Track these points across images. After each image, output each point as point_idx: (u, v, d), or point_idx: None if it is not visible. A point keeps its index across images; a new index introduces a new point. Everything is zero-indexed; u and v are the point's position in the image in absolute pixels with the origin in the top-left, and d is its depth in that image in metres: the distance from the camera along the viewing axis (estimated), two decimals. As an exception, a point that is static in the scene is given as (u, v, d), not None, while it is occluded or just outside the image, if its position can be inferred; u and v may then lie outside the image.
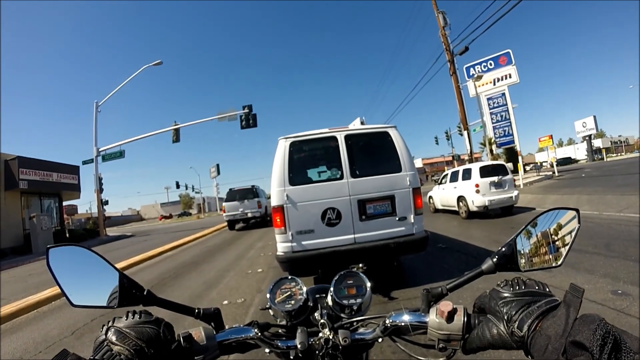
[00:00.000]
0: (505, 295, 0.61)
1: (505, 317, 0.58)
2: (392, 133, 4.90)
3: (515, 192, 10.94)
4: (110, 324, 0.63)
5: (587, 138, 61.86)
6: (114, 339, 0.58)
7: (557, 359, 0.46)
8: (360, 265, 1.00)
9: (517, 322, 0.56)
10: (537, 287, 0.61)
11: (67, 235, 22.28)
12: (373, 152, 5.04)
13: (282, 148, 4.71)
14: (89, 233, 24.42)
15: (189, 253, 11.81)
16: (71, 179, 23.50)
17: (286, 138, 4.78)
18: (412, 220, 4.73)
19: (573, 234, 0.68)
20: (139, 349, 0.58)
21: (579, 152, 72.35)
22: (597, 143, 71.77)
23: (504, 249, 0.70)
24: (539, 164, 42.77)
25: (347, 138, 4.81)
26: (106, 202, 26.31)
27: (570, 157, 65.99)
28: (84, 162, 23.30)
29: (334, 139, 4.81)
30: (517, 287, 0.61)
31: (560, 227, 0.68)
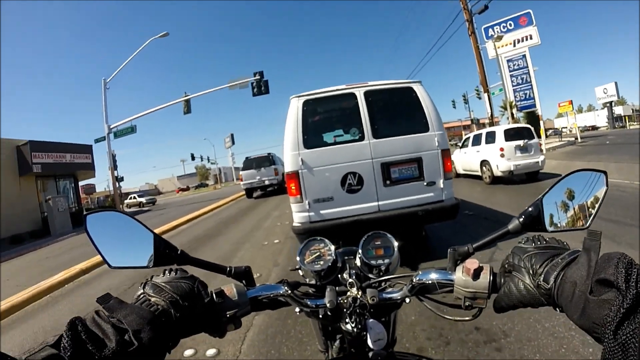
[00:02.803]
0: (528, 248, 0.62)
1: (531, 271, 0.58)
2: (417, 89, 4.43)
3: (542, 157, 10.33)
4: (148, 280, 0.64)
5: (608, 105, 59.51)
6: (151, 291, 0.60)
7: (585, 301, 0.47)
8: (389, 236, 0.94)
9: (542, 275, 0.56)
10: (557, 242, 0.63)
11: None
12: (396, 110, 4.57)
13: (295, 107, 4.29)
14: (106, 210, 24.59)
15: (203, 225, 11.65)
16: (85, 159, 23.44)
17: (299, 96, 4.35)
18: (442, 186, 4.32)
19: (601, 196, 0.66)
20: (174, 301, 0.60)
21: (599, 119, 69.94)
22: (618, 110, 69.01)
23: (530, 209, 0.69)
24: (559, 129, 41.47)
25: (367, 94, 4.35)
26: (121, 179, 26.34)
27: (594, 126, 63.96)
28: (97, 141, 23.20)
29: (353, 95, 4.35)
30: (539, 243, 0.62)
31: (588, 188, 0.67)
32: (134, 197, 40.00)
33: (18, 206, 18.14)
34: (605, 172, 0.67)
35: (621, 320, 0.40)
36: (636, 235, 4.41)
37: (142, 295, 0.61)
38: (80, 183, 26.74)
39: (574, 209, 0.68)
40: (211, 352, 3.05)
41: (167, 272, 0.67)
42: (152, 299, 0.59)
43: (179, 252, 0.73)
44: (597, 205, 0.66)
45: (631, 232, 4.51)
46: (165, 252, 0.71)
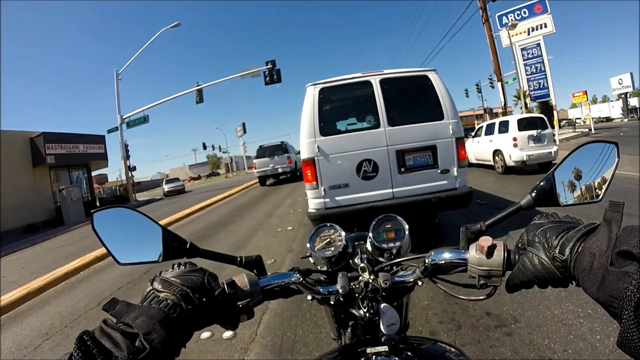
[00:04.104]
0: (543, 223, 0.61)
1: (546, 245, 0.57)
2: (433, 77, 4.42)
3: (555, 148, 10.17)
4: (156, 275, 0.64)
5: (622, 96, 58.09)
6: (159, 287, 0.60)
7: (604, 273, 0.44)
8: None
9: (557, 248, 0.55)
10: (571, 218, 0.61)
11: (98, 204, 22.67)
12: (412, 98, 4.58)
13: (311, 95, 4.31)
14: (118, 200, 25.08)
15: (216, 213, 11.78)
16: (98, 149, 23.71)
17: (315, 84, 4.37)
18: (455, 174, 4.33)
19: (613, 168, 0.65)
20: (185, 294, 0.59)
21: (613, 110, 68.37)
22: (633, 102, 67.33)
23: (542, 184, 0.69)
24: (573, 120, 40.74)
25: (383, 82, 4.35)
26: (134, 168, 26.66)
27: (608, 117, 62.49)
28: (109, 131, 23.46)
29: (368, 83, 4.36)
30: (553, 218, 0.61)
31: (599, 161, 0.66)
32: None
33: (32, 196, 18.52)
34: (616, 144, 0.66)
35: None
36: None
37: (150, 292, 0.60)
38: (93, 173, 27.05)
39: (586, 181, 0.67)
40: (227, 334, 3.14)
41: (176, 266, 0.67)
42: (162, 295, 0.59)
43: (187, 245, 0.72)
44: (609, 178, 0.65)
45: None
46: (174, 246, 0.71)
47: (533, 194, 0.68)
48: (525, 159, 9.90)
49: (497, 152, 11.02)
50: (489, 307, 2.90)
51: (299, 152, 4.71)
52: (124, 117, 22.12)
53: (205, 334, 3.16)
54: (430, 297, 3.16)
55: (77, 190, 20.26)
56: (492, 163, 11.47)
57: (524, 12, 21.10)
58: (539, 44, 20.88)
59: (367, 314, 0.73)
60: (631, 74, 56.06)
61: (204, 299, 0.61)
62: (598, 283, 0.46)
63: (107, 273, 6.30)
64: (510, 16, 21.22)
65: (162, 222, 0.71)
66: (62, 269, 6.77)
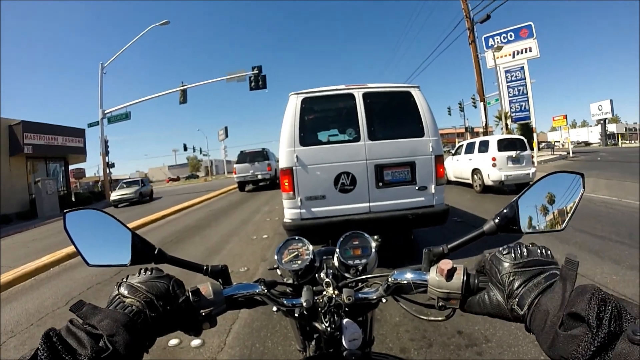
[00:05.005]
0: (506, 265, 0.59)
1: (507, 292, 0.57)
2: (415, 94, 4.46)
3: (533, 169, 10.44)
4: (123, 280, 0.64)
5: (601, 122, 60.12)
6: (125, 292, 0.61)
7: (555, 333, 0.45)
8: (375, 237, 0.96)
9: (517, 299, 0.56)
10: (540, 252, 0.59)
11: (73, 199, 22.12)
12: (393, 114, 4.62)
13: (293, 104, 4.29)
14: (95, 196, 24.34)
15: (193, 216, 11.63)
16: (77, 142, 23.25)
17: (298, 94, 4.36)
18: (433, 191, 4.36)
19: (577, 198, 0.66)
20: (149, 301, 0.60)
21: (592, 135, 70.61)
22: (612, 128, 69.71)
23: (506, 211, 0.69)
24: (552, 143, 41.90)
25: (366, 96, 4.37)
26: (112, 165, 26.20)
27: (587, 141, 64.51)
28: (90, 125, 23.04)
29: (351, 96, 4.37)
30: (520, 255, 0.59)
31: (564, 190, 0.67)
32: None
33: (7, 186, 17.99)
34: (582, 175, 0.66)
35: (590, 359, 0.39)
36: (620, 251, 4.47)
37: (117, 297, 0.61)
38: (71, 167, 26.53)
39: (550, 210, 0.67)
40: (196, 342, 3.07)
41: (142, 271, 0.67)
42: (127, 300, 0.60)
43: (156, 251, 0.73)
44: (573, 208, 0.66)
45: (615, 249, 4.58)
46: (143, 251, 0.72)
47: (496, 221, 0.69)
48: (503, 179, 10.10)
49: (476, 171, 11.21)
50: (461, 326, 2.91)
51: (279, 160, 4.70)
52: (105, 112, 21.71)
53: (173, 341, 3.08)
54: (402, 314, 3.17)
55: (53, 183, 19.81)
56: (470, 181, 11.64)
57: (510, 36, 21.67)
58: (522, 67, 21.41)
59: (329, 328, 0.74)
60: (611, 100, 58.24)
61: (168, 307, 0.63)
62: (550, 342, 0.47)
63: (78, 271, 6.12)
64: (497, 38, 21.77)
65: (137, 223, 0.70)
66: (32, 264, 6.60)
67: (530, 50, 21.20)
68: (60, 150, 21.94)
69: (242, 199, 15.42)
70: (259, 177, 18.23)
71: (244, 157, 18.51)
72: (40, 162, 21.36)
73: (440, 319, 0.71)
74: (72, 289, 5.10)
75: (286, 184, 4.20)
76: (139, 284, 0.63)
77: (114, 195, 19.94)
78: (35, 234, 11.88)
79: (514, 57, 21.61)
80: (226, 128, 45.75)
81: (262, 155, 18.57)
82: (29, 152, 19.08)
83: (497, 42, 21.34)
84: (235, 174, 18.63)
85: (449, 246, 0.72)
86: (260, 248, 6.13)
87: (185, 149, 56.89)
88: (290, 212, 4.29)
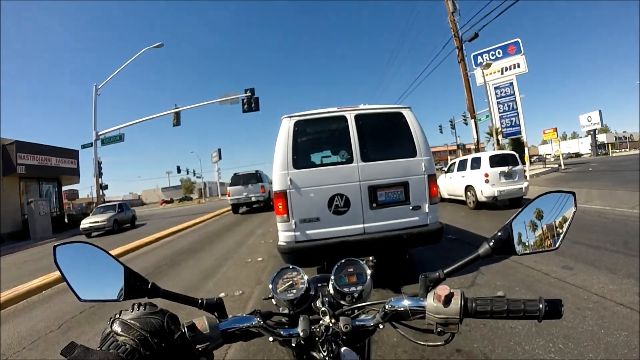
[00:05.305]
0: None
1: None
2: (407, 114, 4.51)
3: (526, 184, 10.54)
4: (116, 316, 0.63)
5: (591, 132, 60.99)
6: (118, 330, 0.59)
7: None
8: (370, 258, 1.16)
9: None
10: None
11: (66, 220, 21.99)
12: (386, 135, 4.65)
13: (286, 127, 4.31)
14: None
15: (187, 239, 11.52)
16: (70, 163, 23.20)
17: (290, 117, 4.38)
18: (427, 210, 4.37)
19: (570, 217, 0.67)
20: (143, 339, 0.59)
21: (582, 146, 71.70)
22: (602, 138, 70.87)
23: (500, 233, 0.70)
24: (543, 156, 42.33)
25: (358, 118, 4.42)
26: (106, 187, 25.93)
27: (577, 153, 65.42)
28: (83, 146, 22.87)
29: (343, 118, 4.41)
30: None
31: (557, 210, 0.68)
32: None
33: (-1, 206, 17.73)
34: (573, 193, 0.69)
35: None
36: (616, 260, 4.50)
37: (109, 336, 0.59)
38: (64, 188, 26.34)
39: (543, 230, 0.69)
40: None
41: (135, 307, 0.66)
42: (121, 339, 0.58)
43: (149, 285, 0.73)
44: (565, 226, 0.68)
45: (611, 258, 4.60)
46: (135, 285, 0.71)
47: (491, 244, 0.70)
48: (496, 195, 10.17)
49: (469, 188, 11.27)
50: (460, 344, 2.88)
51: (272, 182, 4.70)
52: (99, 133, 21.64)
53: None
54: (400, 335, 3.13)
55: (46, 204, 19.69)
56: (464, 198, 11.69)
57: (499, 53, 22.16)
58: (511, 83, 21.85)
59: (327, 358, 0.73)
60: (600, 111, 58.95)
61: (163, 344, 0.62)
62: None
63: (71, 295, 5.77)
64: (485, 56, 22.23)
65: (130, 247, 0.71)
66: (24, 286, 6.50)
67: (519, 66, 21.71)
68: (53, 171, 21.81)
69: (236, 221, 15.33)
70: (253, 199, 18.22)
71: (237, 180, 18.57)
72: (34, 182, 21.25)
73: (439, 343, 0.72)
74: (65, 312, 5.01)
75: (280, 206, 4.19)
76: (132, 321, 0.62)
77: (85, 223, 16.58)
78: (28, 255, 11.73)
79: (502, 73, 22.10)
80: (219, 150, 45.61)
81: (256, 178, 18.61)
82: (22, 173, 18.95)
83: (486, 59, 21.76)
84: (229, 196, 18.63)
85: (445, 271, 0.73)
86: (254, 271, 6.06)
87: (179, 171, 56.68)
88: (284, 235, 4.27)
